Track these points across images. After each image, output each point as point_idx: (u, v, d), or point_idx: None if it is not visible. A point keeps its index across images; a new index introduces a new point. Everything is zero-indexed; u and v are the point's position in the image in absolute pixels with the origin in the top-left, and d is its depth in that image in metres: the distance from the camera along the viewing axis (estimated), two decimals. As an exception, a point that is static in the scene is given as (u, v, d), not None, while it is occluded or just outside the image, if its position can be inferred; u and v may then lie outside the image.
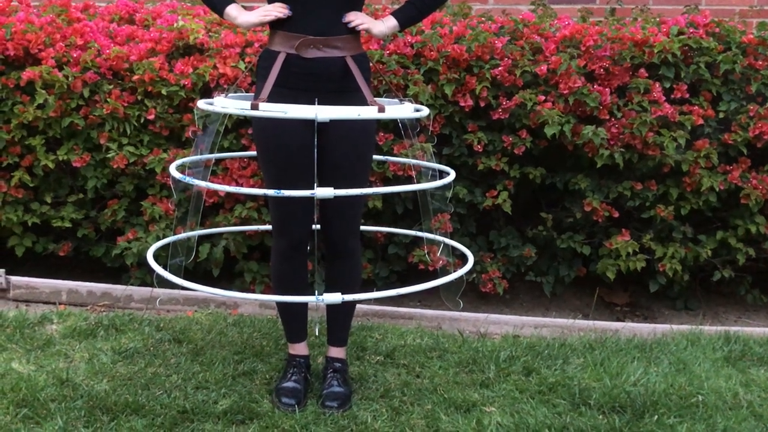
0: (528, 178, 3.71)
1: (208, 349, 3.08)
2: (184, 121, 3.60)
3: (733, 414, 2.73)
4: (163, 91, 3.58)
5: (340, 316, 2.84)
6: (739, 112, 3.66)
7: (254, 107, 2.40)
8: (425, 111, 2.60)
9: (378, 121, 3.28)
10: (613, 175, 3.71)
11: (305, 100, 2.52)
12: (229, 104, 2.52)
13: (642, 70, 3.62)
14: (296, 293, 2.69)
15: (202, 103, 2.61)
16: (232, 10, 2.66)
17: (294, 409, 2.65)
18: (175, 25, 3.75)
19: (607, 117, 3.60)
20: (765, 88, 3.66)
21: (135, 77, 3.58)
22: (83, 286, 3.63)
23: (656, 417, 2.69)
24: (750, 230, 3.67)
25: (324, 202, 2.62)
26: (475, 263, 3.70)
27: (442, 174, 2.73)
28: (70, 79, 3.57)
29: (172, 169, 2.64)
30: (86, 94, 3.59)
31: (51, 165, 3.62)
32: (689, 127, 3.59)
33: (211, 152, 3.04)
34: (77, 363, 2.95)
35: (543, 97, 3.59)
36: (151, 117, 3.60)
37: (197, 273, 3.64)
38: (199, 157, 3.01)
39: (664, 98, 3.59)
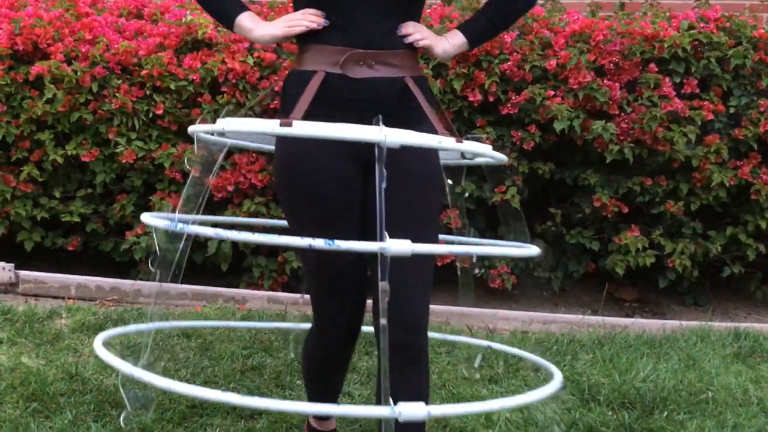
0: (537, 174, 3.70)
1: (216, 343, 3.08)
2: (192, 116, 3.60)
3: (743, 410, 2.72)
4: (172, 86, 3.57)
5: None
6: (749, 107, 3.64)
7: (286, 124, 1.70)
8: (504, 157, 1.95)
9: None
10: (622, 170, 3.69)
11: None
12: (249, 122, 1.83)
13: (652, 65, 3.60)
14: (335, 380, 2.16)
15: (202, 130, 1.95)
16: (246, 21, 2.00)
17: None
18: (183, 19, 3.75)
19: (617, 112, 3.58)
20: (776, 83, 3.64)
21: (143, 72, 3.58)
22: (92, 280, 3.63)
23: (666, 413, 2.68)
24: (760, 226, 3.66)
25: (383, 272, 1.68)
26: (484, 259, 3.69)
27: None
28: (78, 73, 3.57)
29: (147, 219, 2.01)
30: (95, 88, 3.59)
31: (60, 160, 3.62)
32: (699, 122, 3.57)
33: (203, 197, 2.25)
34: (86, 357, 2.95)
35: (552, 92, 3.57)
36: (160, 112, 3.60)
37: (206, 267, 3.65)
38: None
39: (674, 93, 3.57)
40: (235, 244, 3.64)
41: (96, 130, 3.64)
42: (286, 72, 3.52)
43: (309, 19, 1.92)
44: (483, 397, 2.75)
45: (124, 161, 3.60)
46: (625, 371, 2.94)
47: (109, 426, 2.51)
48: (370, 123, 1.76)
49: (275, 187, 2.10)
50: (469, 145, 1.83)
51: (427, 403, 1.78)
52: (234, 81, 3.58)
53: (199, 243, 3.69)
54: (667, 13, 3.89)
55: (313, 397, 2.23)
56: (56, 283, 3.62)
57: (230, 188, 3.58)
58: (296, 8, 1.99)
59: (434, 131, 1.90)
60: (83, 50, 3.62)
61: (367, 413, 1.97)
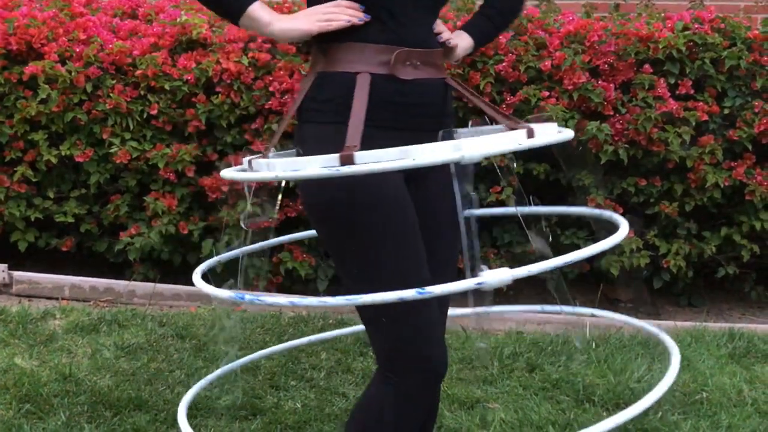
0: (532, 174, 3.70)
1: (211, 344, 3.08)
2: (187, 116, 3.59)
3: (738, 411, 2.72)
4: (166, 86, 3.57)
5: None
6: (744, 108, 3.64)
7: (347, 160, 1.48)
8: (569, 131, 1.73)
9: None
10: (617, 171, 3.70)
11: (397, 144, 1.55)
12: (299, 163, 1.55)
13: (647, 66, 3.61)
14: None
15: (233, 173, 1.68)
16: (262, 12, 1.70)
17: None
18: (178, 19, 3.74)
19: (612, 113, 3.58)
20: (770, 84, 3.64)
21: (138, 72, 3.58)
22: (86, 281, 3.62)
23: (660, 414, 2.68)
24: (755, 227, 3.66)
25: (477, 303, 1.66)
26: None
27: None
28: (72, 73, 3.56)
29: (198, 278, 1.84)
30: (89, 89, 3.59)
31: (54, 160, 3.61)
32: (694, 123, 3.57)
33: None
34: (80, 358, 2.95)
35: (547, 93, 3.57)
36: (154, 112, 3.59)
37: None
38: (231, 254, 2.15)
39: (668, 94, 3.58)
40: (228, 245, 3.62)
41: (90, 130, 3.63)
42: (281, 72, 3.58)
43: (348, 13, 1.67)
44: (478, 398, 2.75)
45: (118, 161, 3.59)
46: (620, 372, 2.95)
47: (103, 427, 2.50)
48: (419, 129, 1.69)
49: (324, 230, 1.70)
50: (545, 138, 1.63)
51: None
52: (229, 81, 3.57)
53: (193, 244, 3.68)
54: (662, 14, 3.89)
55: None
56: (50, 284, 3.61)
57: (224, 188, 3.57)
58: (310, 3, 1.74)
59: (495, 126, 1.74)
60: (77, 50, 3.61)
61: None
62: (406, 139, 1.59)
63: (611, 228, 1.84)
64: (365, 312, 1.68)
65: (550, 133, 1.67)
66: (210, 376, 2.35)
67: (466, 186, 1.88)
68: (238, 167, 1.73)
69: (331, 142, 1.61)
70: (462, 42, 1.90)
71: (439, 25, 1.81)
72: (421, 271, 1.64)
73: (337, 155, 1.51)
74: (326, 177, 1.55)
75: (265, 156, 1.73)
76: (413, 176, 1.72)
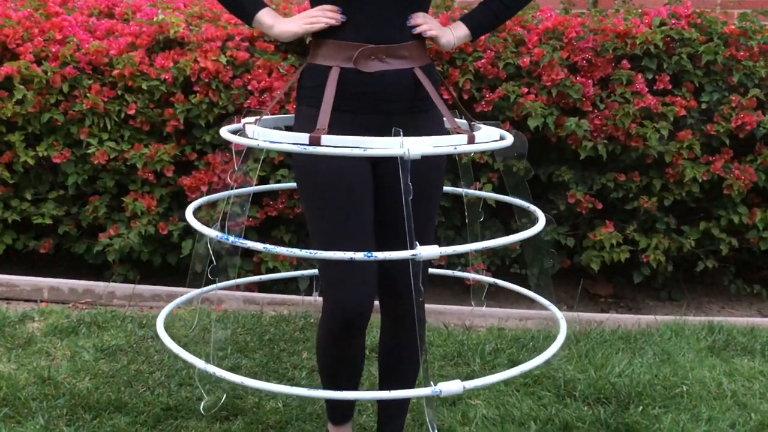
0: (512, 171, 3.71)
1: (191, 345, 3.06)
2: (165, 116, 3.57)
3: (718, 403, 2.74)
4: (144, 86, 3.54)
5: (392, 414, 2.27)
6: (721, 103, 3.67)
7: (314, 141, 1.86)
8: (510, 138, 2.08)
9: None
10: (596, 166, 3.71)
11: (366, 128, 1.98)
12: (277, 136, 1.95)
13: (624, 62, 3.62)
14: (349, 381, 2.18)
15: (228, 134, 2.08)
16: (266, 17, 2.10)
17: None
18: (155, 18, 3.72)
19: (590, 109, 3.60)
20: (747, 79, 3.67)
21: (115, 72, 3.55)
22: (65, 283, 3.59)
23: (641, 408, 2.69)
24: (733, 220, 3.69)
25: (416, 275, 1.94)
26: (459, 256, 3.69)
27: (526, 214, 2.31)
28: (49, 74, 3.53)
29: (190, 216, 2.19)
30: (66, 89, 3.55)
31: (31, 161, 3.58)
32: (672, 118, 3.59)
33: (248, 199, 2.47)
34: (59, 361, 2.92)
35: (526, 90, 3.58)
36: (132, 112, 3.56)
37: (181, 269, 3.61)
38: (218, 195, 2.48)
39: (646, 89, 3.59)
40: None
41: (67, 131, 3.60)
42: (259, 70, 3.56)
43: (328, 16, 2.02)
44: (459, 394, 2.75)
45: (96, 162, 3.56)
46: (601, 366, 2.96)
47: (83, 430, 2.48)
48: (386, 114, 2.02)
49: (298, 185, 2.13)
50: (486, 146, 2.00)
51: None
52: (207, 80, 3.55)
53: (173, 244, 3.66)
54: (639, 10, 3.91)
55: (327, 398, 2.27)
56: (28, 286, 3.58)
57: (204, 188, 3.55)
58: (313, 4, 2.08)
59: (440, 120, 2.07)
60: (53, 50, 3.58)
61: (408, 395, 2.13)
62: (375, 121, 2.01)
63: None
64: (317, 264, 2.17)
65: (489, 141, 2.03)
66: (189, 295, 2.57)
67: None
68: (234, 127, 2.13)
69: (310, 121, 1.99)
70: (456, 32, 2.15)
71: (417, 18, 2.06)
72: (354, 236, 2.00)
73: (307, 135, 1.89)
74: (296, 153, 1.98)
75: (259, 120, 2.10)
76: (378, 159, 2.03)
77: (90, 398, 2.63)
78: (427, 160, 1.93)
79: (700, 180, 3.62)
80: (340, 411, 2.31)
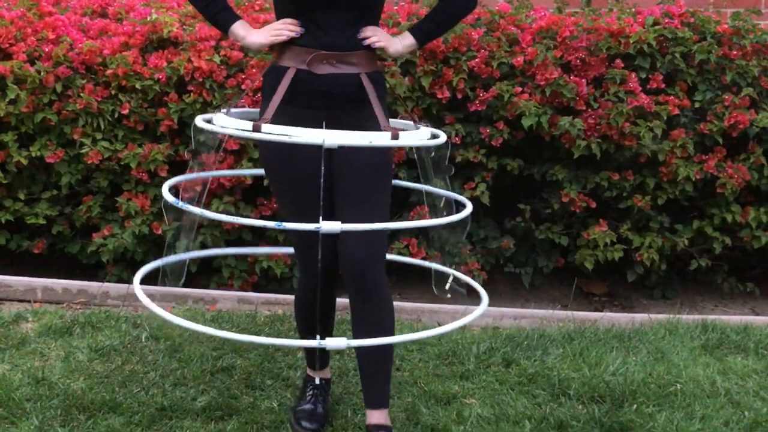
0: (506, 170, 3.72)
1: (185, 345, 3.06)
2: (158, 116, 3.57)
3: (711, 402, 2.75)
4: (137, 86, 3.54)
5: (373, 369, 2.46)
6: (714, 102, 3.68)
7: (256, 128, 2.18)
8: (443, 137, 2.37)
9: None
10: (590, 165, 3.72)
11: (314, 120, 2.32)
12: (229, 123, 2.28)
13: (618, 61, 3.63)
14: (322, 332, 2.52)
15: (200, 120, 2.39)
16: (239, 29, 2.44)
17: None
18: (148, 18, 3.71)
19: (584, 108, 3.60)
20: (740, 78, 3.68)
21: (108, 71, 3.54)
22: (58, 283, 3.58)
23: (635, 406, 2.70)
24: (726, 219, 3.70)
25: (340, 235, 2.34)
26: (454, 255, 3.69)
27: (458, 206, 2.49)
28: (42, 73, 3.52)
29: (165, 191, 2.41)
30: (59, 89, 3.54)
31: (24, 161, 3.57)
32: (665, 117, 3.60)
33: (210, 166, 2.81)
34: (53, 361, 2.92)
35: (520, 89, 3.59)
36: (126, 111, 3.55)
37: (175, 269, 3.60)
38: (194, 175, 2.77)
39: (640, 88, 3.60)
40: (203, 245, 3.60)
41: (60, 130, 3.59)
42: (253, 69, 3.56)
43: (288, 28, 2.36)
44: (455, 393, 2.76)
45: (89, 162, 3.55)
46: (595, 365, 2.97)
47: (77, 430, 2.48)
48: (331, 111, 2.35)
49: (263, 168, 2.55)
50: (404, 139, 2.28)
51: (390, 331, 2.39)
52: (200, 80, 3.55)
53: (167, 244, 3.65)
54: (633, 9, 3.92)
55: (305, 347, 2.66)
56: (22, 287, 3.57)
57: (198, 188, 3.54)
58: (278, 15, 2.42)
59: (378, 123, 2.33)
60: (46, 50, 3.57)
61: (298, 344, 2.53)
62: (319, 118, 2.34)
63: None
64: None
65: (410, 138, 2.34)
66: (167, 258, 2.69)
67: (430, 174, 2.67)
68: (209, 116, 2.44)
69: (263, 113, 2.35)
70: (403, 41, 2.47)
71: (366, 31, 2.39)
72: (306, 213, 2.32)
73: (251, 123, 2.22)
74: (238, 137, 2.49)
75: (228, 112, 2.45)
76: (331, 154, 2.32)
77: (84, 399, 2.62)
78: (367, 151, 2.32)
79: (694, 179, 3.63)
80: (316, 359, 2.64)
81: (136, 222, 3.57)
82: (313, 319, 2.53)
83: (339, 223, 2.17)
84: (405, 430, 2.55)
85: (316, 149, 2.20)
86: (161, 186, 3.60)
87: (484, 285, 3.73)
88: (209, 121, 2.38)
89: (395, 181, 2.98)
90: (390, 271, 3.65)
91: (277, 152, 2.37)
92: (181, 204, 2.33)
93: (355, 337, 2.40)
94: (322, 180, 2.23)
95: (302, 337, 2.63)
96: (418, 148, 2.69)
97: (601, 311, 3.71)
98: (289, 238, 2.56)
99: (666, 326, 3.35)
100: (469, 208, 2.43)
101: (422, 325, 3.39)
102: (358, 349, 2.40)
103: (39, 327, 3.19)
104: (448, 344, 3.14)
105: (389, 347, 2.45)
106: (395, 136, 2.23)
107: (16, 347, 3.01)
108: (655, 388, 2.83)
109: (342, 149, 2.24)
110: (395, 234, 3.63)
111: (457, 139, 3.62)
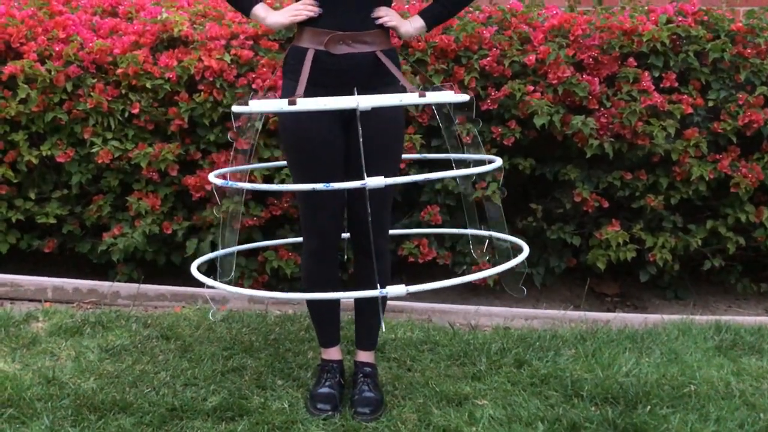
0: (518, 169, 3.69)
1: (196, 345, 3.05)
2: (169, 115, 3.56)
3: (726, 403, 2.72)
4: (148, 85, 3.53)
5: (367, 317, 2.74)
6: (728, 101, 3.64)
7: (292, 103, 2.32)
8: (465, 96, 2.53)
9: (408, 117, 3.44)
10: (602, 165, 3.69)
11: (337, 95, 2.47)
12: (264, 104, 2.45)
13: (631, 59, 3.60)
14: (328, 308, 2.69)
15: (236, 107, 2.52)
16: (260, 11, 2.61)
17: (330, 415, 2.57)
18: (158, 17, 3.71)
19: (597, 107, 3.58)
20: (754, 77, 3.65)
21: (119, 71, 3.54)
22: (69, 282, 3.58)
23: (649, 407, 2.68)
24: (740, 219, 3.67)
25: (353, 199, 2.58)
26: (465, 255, 3.68)
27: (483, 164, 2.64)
28: (52, 73, 3.52)
29: (212, 177, 2.60)
30: (69, 88, 3.54)
31: (34, 160, 3.57)
32: (678, 116, 3.57)
33: (251, 155, 2.99)
34: (64, 361, 2.91)
35: (532, 87, 3.56)
36: (136, 111, 3.55)
37: (185, 268, 3.60)
38: (238, 168, 2.94)
39: (653, 87, 3.58)
40: (213, 244, 3.59)
41: (71, 130, 3.59)
42: (264, 69, 3.55)
43: (307, 9, 2.52)
44: (466, 394, 2.74)
45: (100, 161, 3.55)
46: (608, 366, 2.94)
47: (87, 430, 2.47)
48: (351, 88, 2.46)
49: (282, 144, 2.75)
50: (430, 97, 2.41)
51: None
52: (211, 79, 3.54)
53: (177, 244, 3.65)
54: (646, 8, 3.89)
55: (315, 320, 2.80)
56: (32, 286, 3.57)
57: (208, 187, 3.53)
58: None
59: (404, 90, 2.46)
60: (57, 49, 3.57)
61: (359, 295, 2.50)
62: (342, 94, 2.44)
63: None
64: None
65: (437, 96, 2.45)
66: (218, 252, 2.84)
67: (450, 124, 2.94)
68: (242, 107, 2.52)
69: (290, 91, 2.50)
70: (413, 24, 2.64)
71: (380, 11, 2.55)
72: (321, 178, 2.45)
73: (286, 100, 2.35)
74: (278, 112, 2.57)
75: (263, 97, 2.78)
76: (347, 121, 2.53)
77: (95, 398, 2.62)
78: (385, 119, 2.49)
79: (707, 178, 3.60)
80: (329, 335, 2.77)
81: (146, 221, 3.56)
82: (330, 279, 2.65)
83: (383, 177, 2.30)
84: (417, 431, 2.53)
85: (333, 119, 2.48)
86: (171, 186, 3.63)
87: (494, 285, 3.75)
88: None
89: (420, 156, 3.33)
90: (400, 271, 3.66)
91: (298, 125, 2.53)
92: (230, 184, 2.53)
93: (362, 289, 2.58)
94: (361, 140, 2.36)
95: (316, 310, 2.75)
96: (445, 119, 2.90)
97: (614, 312, 3.69)
98: (300, 201, 2.69)
99: (679, 327, 3.33)
100: (499, 162, 2.59)
101: (433, 325, 3.38)
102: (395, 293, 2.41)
103: (49, 326, 3.19)
104: (460, 345, 3.12)
105: (383, 299, 2.58)
106: (422, 95, 2.39)
107: (26, 347, 3.01)
108: (668, 389, 2.80)
109: (361, 117, 2.35)
110: (406, 234, 3.61)
111: (467, 138, 3.60)
